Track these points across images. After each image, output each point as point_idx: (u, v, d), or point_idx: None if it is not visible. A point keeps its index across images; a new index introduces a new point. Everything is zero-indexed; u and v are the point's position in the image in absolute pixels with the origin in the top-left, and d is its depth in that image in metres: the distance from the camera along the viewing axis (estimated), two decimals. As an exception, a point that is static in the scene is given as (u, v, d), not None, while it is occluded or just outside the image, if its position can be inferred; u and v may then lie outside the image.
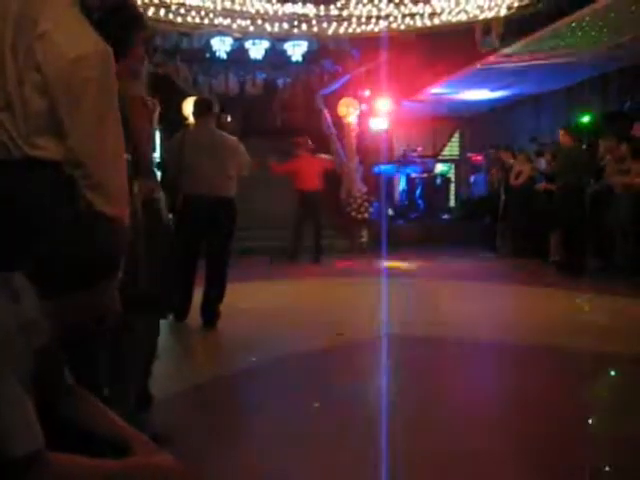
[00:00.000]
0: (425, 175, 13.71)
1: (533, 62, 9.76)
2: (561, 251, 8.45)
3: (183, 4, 8.86)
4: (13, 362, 1.29)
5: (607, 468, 2.60)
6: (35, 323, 1.39)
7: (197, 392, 3.60)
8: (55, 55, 1.80)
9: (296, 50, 13.44)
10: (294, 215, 9.63)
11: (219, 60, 13.98)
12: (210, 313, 5.23)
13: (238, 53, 14.00)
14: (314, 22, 9.19)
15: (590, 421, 3.16)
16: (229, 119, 11.29)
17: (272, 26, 9.47)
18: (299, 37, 12.28)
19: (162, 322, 3.30)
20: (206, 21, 9.24)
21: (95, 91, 1.84)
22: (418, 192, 13.77)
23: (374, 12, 9.00)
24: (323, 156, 10.13)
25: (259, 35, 11.91)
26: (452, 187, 15.76)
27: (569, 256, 8.19)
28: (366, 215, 11.79)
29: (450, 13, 8.99)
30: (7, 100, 1.84)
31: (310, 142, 9.69)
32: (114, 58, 1.95)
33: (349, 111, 12.32)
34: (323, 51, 14.37)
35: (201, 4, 8.81)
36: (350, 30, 9.55)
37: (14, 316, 1.33)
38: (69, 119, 1.83)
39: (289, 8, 8.81)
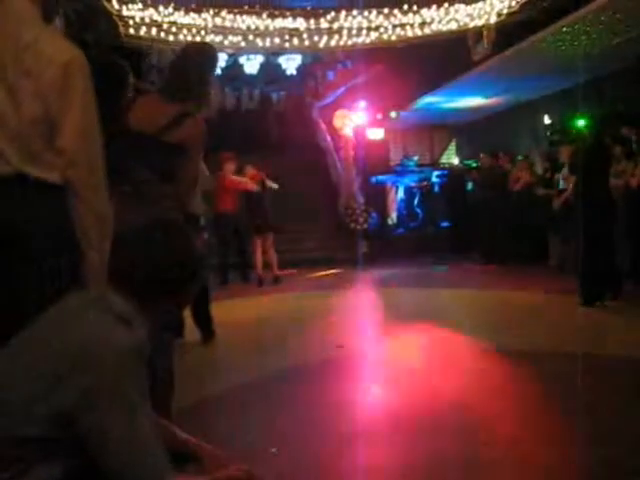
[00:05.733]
0: (423, 184, 13.67)
1: (526, 68, 9.77)
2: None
3: (175, 23, 8.92)
4: (142, 388, 1.29)
5: None
6: (146, 342, 1.40)
7: (198, 407, 3.59)
8: (45, 62, 1.92)
9: (290, 64, 13.52)
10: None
11: (214, 76, 14.04)
12: (203, 328, 5.29)
13: (233, 68, 14.09)
14: (305, 36, 9.22)
15: None
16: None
17: (264, 41, 9.50)
18: (292, 51, 12.34)
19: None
20: (198, 39, 9.27)
21: (83, 91, 1.97)
22: (416, 201, 13.74)
23: (364, 24, 9.03)
24: (245, 180, 8.79)
25: (253, 50, 11.97)
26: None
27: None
28: (365, 226, 11.78)
29: (440, 22, 9.02)
30: None
31: (234, 160, 8.63)
32: None
33: (345, 123, 12.34)
34: (317, 64, 14.42)
35: (192, 22, 8.86)
36: (342, 42, 9.58)
37: (132, 341, 1.33)
38: (62, 120, 1.93)
39: (279, 23, 8.86)
